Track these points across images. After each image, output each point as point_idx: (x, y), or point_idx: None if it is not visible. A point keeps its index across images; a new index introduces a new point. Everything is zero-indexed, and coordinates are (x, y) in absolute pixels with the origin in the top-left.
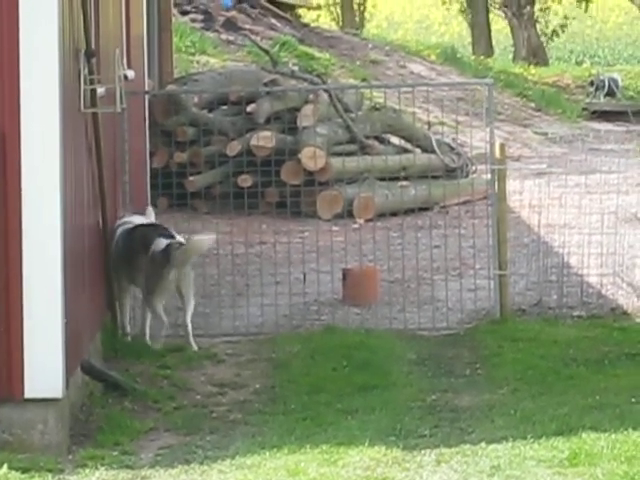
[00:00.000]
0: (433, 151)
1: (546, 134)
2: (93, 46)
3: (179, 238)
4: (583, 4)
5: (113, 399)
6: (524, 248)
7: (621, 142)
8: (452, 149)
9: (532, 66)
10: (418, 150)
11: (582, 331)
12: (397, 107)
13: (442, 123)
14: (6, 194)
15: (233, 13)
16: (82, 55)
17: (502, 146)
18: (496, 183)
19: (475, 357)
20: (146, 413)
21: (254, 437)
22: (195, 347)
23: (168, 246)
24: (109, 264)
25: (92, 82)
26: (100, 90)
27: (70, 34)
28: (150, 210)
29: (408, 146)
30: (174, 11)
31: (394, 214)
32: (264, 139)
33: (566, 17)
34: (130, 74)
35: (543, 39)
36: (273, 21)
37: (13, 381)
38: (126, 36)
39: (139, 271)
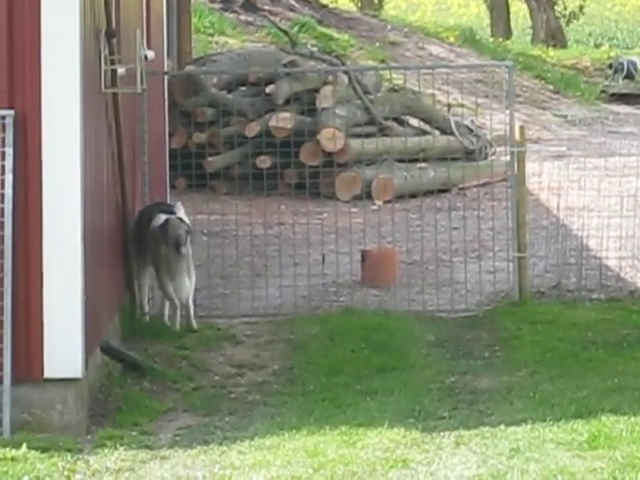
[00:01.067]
0: (452, 133)
1: (565, 116)
2: (114, 26)
3: (181, 215)
4: None
5: (132, 379)
6: (543, 230)
7: None
8: (471, 131)
9: (551, 48)
10: (437, 132)
11: (601, 314)
12: (416, 89)
13: (461, 105)
14: (27, 174)
15: None
16: (103, 35)
17: (522, 128)
18: (516, 165)
19: (494, 339)
20: (165, 393)
21: (273, 418)
22: (195, 326)
23: (166, 222)
24: (128, 244)
25: (112, 62)
26: (120, 70)
27: (91, 14)
28: (179, 205)
29: (427, 128)
30: None
31: (413, 196)
32: (283, 120)
33: None
34: (150, 54)
35: (562, 21)
36: (292, 2)
37: (33, 361)
38: (146, 16)
39: (147, 249)
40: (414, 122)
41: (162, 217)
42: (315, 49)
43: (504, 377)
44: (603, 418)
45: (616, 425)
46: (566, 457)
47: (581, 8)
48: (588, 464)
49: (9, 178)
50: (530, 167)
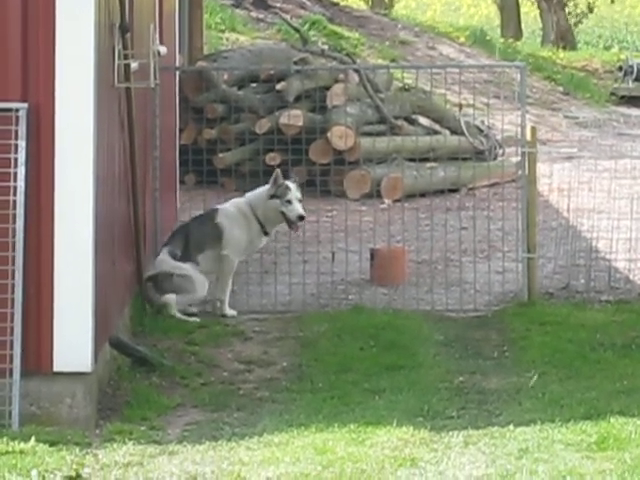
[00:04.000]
0: (462, 133)
1: (576, 118)
2: (127, 21)
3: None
4: None
5: (141, 374)
6: (552, 232)
7: None
8: (481, 131)
9: (560, 50)
10: (447, 132)
11: (609, 316)
12: (427, 88)
13: (471, 105)
14: (39, 167)
15: None
16: (117, 30)
17: (533, 129)
18: (526, 166)
19: (502, 340)
20: (173, 389)
21: (281, 415)
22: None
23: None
24: (139, 239)
25: (126, 57)
26: (133, 65)
27: (105, 8)
28: None
29: (437, 127)
30: None
31: (423, 195)
32: (294, 117)
33: None
34: (162, 50)
35: (571, 21)
36: (303, 0)
37: (42, 354)
38: (159, 12)
39: None
40: (424, 121)
41: None
42: (326, 47)
43: (513, 377)
44: (612, 419)
45: (625, 427)
46: (575, 458)
47: (590, 8)
48: (597, 465)
49: (22, 171)
50: (540, 168)
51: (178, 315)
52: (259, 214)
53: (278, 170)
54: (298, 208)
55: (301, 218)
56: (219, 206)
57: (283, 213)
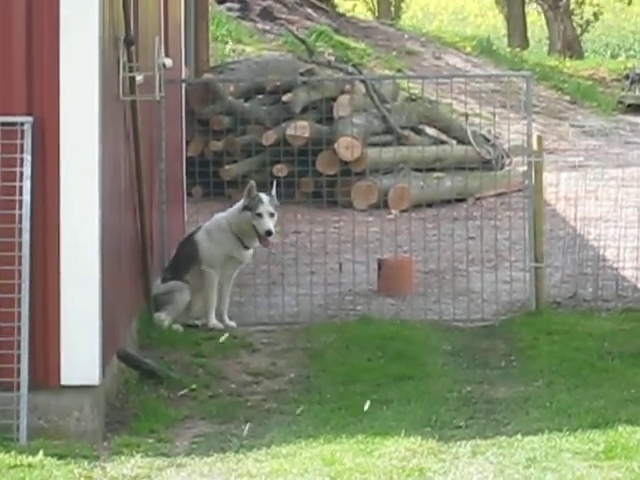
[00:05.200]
0: (469, 143)
1: (583, 127)
2: (132, 34)
3: None
4: None
5: (148, 387)
6: (559, 241)
7: None
8: (488, 141)
9: (567, 59)
10: (454, 141)
11: (617, 324)
12: (433, 98)
13: (478, 115)
14: (44, 181)
15: (269, 2)
16: (121, 43)
17: (539, 138)
18: (533, 175)
19: (510, 349)
20: (181, 401)
21: (289, 426)
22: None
23: None
24: (146, 252)
25: (131, 70)
26: (138, 78)
27: (110, 21)
28: None
29: (444, 137)
30: (211, 0)
31: (429, 205)
32: (300, 129)
33: (598, 4)
34: (168, 62)
35: (578, 30)
36: (309, 11)
37: (50, 368)
38: (164, 24)
39: None
40: (431, 131)
41: None
42: (332, 58)
43: (520, 387)
44: (620, 428)
45: (633, 435)
46: (583, 467)
47: (596, 16)
48: (605, 474)
49: (27, 185)
50: (547, 177)
51: (166, 326)
52: (235, 228)
53: (252, 182)
54: (266, 223)
55: (268, 233)
56: (204, 224)
57: (254, 227)
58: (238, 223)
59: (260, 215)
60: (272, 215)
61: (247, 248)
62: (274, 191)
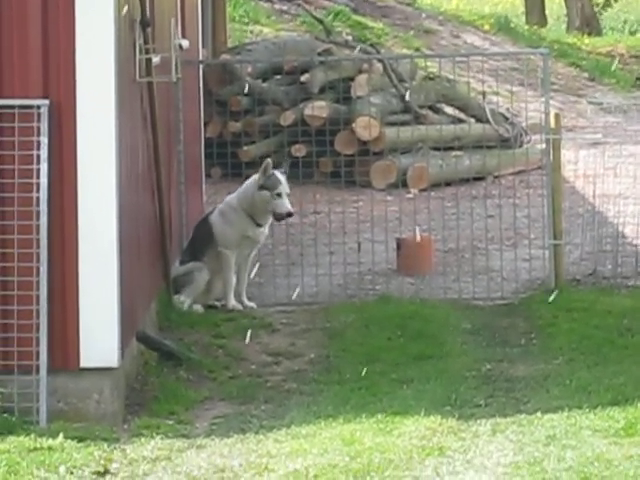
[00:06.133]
0: (487, 121)
1: (601, 104)
2: (148, 15)
3: None
4: None
5: (168, 368)
6: (578, 218)
7: None
8: (506, 119)
9: (585, 36)
10: (472, 120)
11: (637, 301)
12: (451, 77)
13: (496, 93)
14: (62, 163)
15: None
16: (137, 24)
17: (557, 116)
18: (551, 153)
19: (530, 327)
20: (201, 382)
21: (309, 406)
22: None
23: None
24: (165, 234)
25: (147, 51)
26: (155, 59)
27: (126, 3)
28: None
29: (462, 116)
30: None
31: (448, 184)
32: (318, 109)
33: None
34: (185, 44)
35: (596, 9)
36: None
37: (69, 351)
38: (181, 5)
39: None
40: (449, 110)
41: None
42: (350, 38)
43: (540, 365)
44: None
45: None
46: (602, 444)
47: None
48: (625, 451)
49: (44, 167)
50: (565, 155)
51: (185, 307)
52: (246, 206)
53: (269, 160)
54: (287, 204)
55: (289, 215)
56: (219, 205)
57: (271, 205)
58: (252, 202)
59: (280, 195)
60: (288, 195)
61: (260, 226)
62: (286, 170)
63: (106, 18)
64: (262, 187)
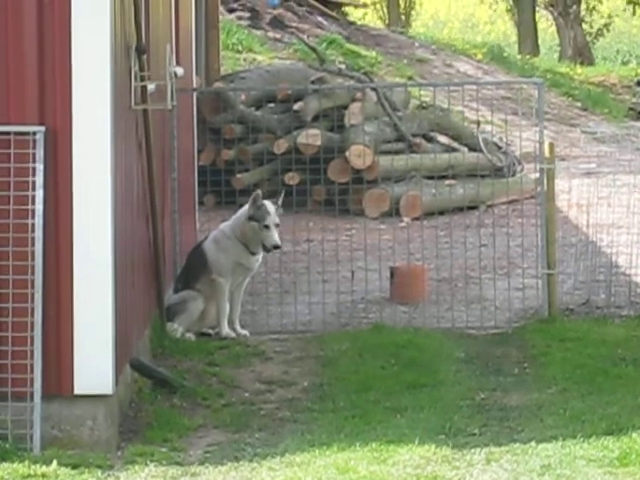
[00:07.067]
0: (480, 150)
1: (594, 133)
2: (144, 42)
3: None
4: (631, 7)
5: (162, 396)
6: (572, 247)
7: None
8: (499, 148)
9: (578, 66)
10: (466, 149)
11: (630, 331)
12: (444, 106)
13: (489, 122)
14: (57, 190)
15: (280, 11)
16: (133, 51)
17: (551, 145)
18: (545, 182)
19: (523, 356)
20: (195, 410)
21: (303, 435)
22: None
23: None
24: (159, 261)
25: (142, 79)
26: (150, 87)
27: (122, 30)
28: None
29: (455, 145)
30: (221, 8)
31: (441, 213)
32: (312, 137)
33: (610, 16)
34: (179, 71)
35: (588, 38)
36: (320, 19)
37: (63, 377)
38: (175, 33)
39: None
40: (443, 139)
41: None
42: (343, 66)
43: (534, 394)
44: (634, 435)
45: None
46: (597, 474)
47: (606, 25)
48: None
49: (39, 194)
50: (559, 184)
51: (178, 335)
52: (239, 235)
53: (258, 191)
54: (274, 236)
55: (276, 247)
56: (212, 232)
57: (260, 236)
58: (243, 231)
59: (267, 227)
60: (277, 225)
61: (254, 254)
62: (281, 200)
63: (102, 45)
64: (251, 218)
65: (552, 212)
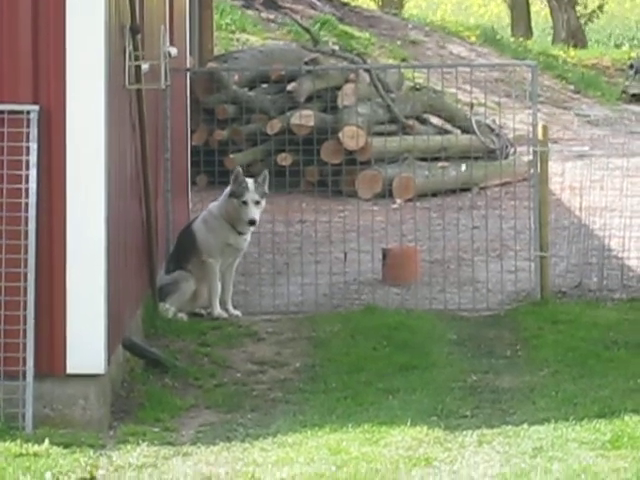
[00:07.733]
0: (474, 132)
1: (587, 116)
2: (138, 22)
3: None
4: None
5: (154, 376)
6: (564, 230)
7: None
8: (492, 130)
9: (571, 48)
10: (459, 131)
11: (622, 314)
12: (438, 87)
13: (482, 104)
14: (50, 169)
15: None
16: (127, 31)
17: (545, 128)
18: (538, 165)
19: (515, 338)
20: (187, 390)
21: (295, 415)
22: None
23: None
24: (151, 241)
25: (137, 58)
26: (144, 66)
27: (116, 9)
28: None
29: (448, 127)
30: None
31: (434, 194)
32: (305, 118)
33: None
34: (173, 51)
35: (581, 21)
36: (313, 0)
37: (55, 357)
38: (169, 13)
39: None
40: (436, 121)
41: None
42: (337, 47)
43: (526, 376)
44: (626, 418)
45: (639, 425)
46: (589, 456)
47: (600, 7)
48: (611, 464)
49: (33, 173)
50: (552, 167)
51: (170, 315)
52: (225, 214)
53: (238, 168)
54: (251, 211)
55: (252, 222)
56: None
57: (240, 213)
58: (227, 210)
59: (245, 203)
60: (258, 203)
61: (241, 234)
62: (266, 180)
63: (96, 24)
64: (232, 195)
65: (545, 195)
